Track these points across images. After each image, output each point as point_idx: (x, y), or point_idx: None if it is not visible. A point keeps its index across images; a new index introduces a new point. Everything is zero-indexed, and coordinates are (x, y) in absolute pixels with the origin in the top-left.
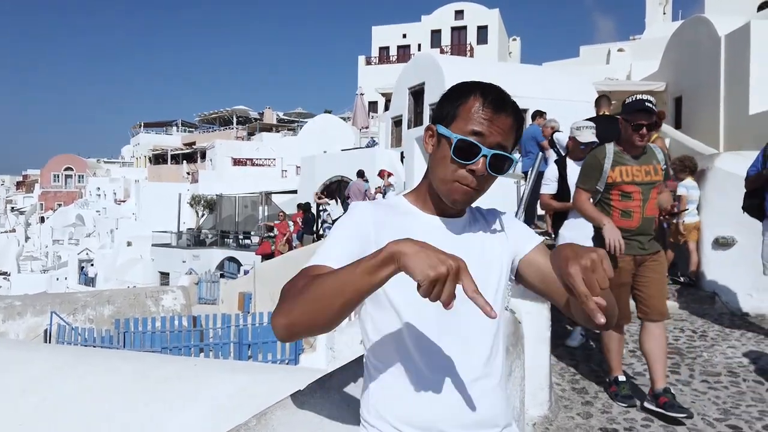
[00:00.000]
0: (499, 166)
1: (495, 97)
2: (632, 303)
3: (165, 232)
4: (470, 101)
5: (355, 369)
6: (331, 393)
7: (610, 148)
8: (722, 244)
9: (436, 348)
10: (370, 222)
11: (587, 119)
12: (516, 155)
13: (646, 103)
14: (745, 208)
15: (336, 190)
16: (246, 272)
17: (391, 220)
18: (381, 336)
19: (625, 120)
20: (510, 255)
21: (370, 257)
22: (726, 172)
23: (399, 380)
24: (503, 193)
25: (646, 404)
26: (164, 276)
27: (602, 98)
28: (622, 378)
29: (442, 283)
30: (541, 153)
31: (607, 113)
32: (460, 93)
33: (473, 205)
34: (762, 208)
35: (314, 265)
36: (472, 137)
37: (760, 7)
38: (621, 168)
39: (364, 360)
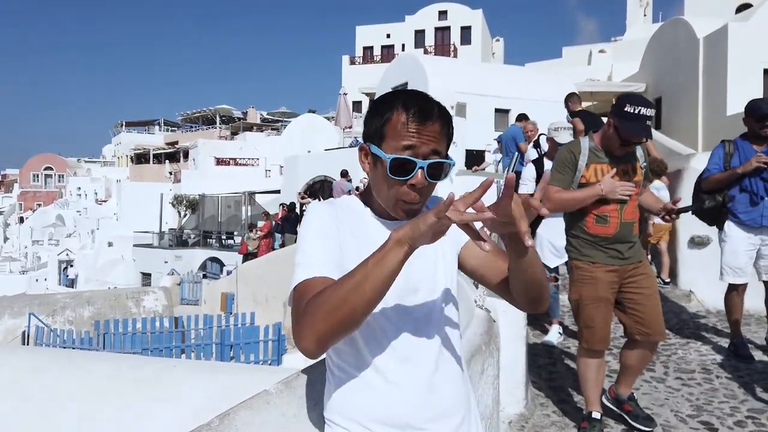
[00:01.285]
0: (437, 172)
1: (418, 107)
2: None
3: (147, 232)
4: (394, 116)
5: (322, 368)
6: (298, 392)
7: (585, 143)
8: (698, 243)
9: (394, 343)
10: (332, 219)
11: (573, 114)
12: (452, 160)
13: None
14: (696, 212)
15: (319, 189)
16: (229, 273)
17: (348, 219)
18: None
19: (618, 124)
20: (455, 244)
21: (379, 250)
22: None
23: (360, 377)
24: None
25: (604, 400)
26: (146, 277)
27: (573, 95)
28: (596, 415)
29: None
30: (517, 153)
31: (579, 109)
32: (384, 108)
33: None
34: (717, 212)
35: (308, 279)
36: (404, 153)
37: (738, 10)
38: (596, 166)
39: (326, 359)
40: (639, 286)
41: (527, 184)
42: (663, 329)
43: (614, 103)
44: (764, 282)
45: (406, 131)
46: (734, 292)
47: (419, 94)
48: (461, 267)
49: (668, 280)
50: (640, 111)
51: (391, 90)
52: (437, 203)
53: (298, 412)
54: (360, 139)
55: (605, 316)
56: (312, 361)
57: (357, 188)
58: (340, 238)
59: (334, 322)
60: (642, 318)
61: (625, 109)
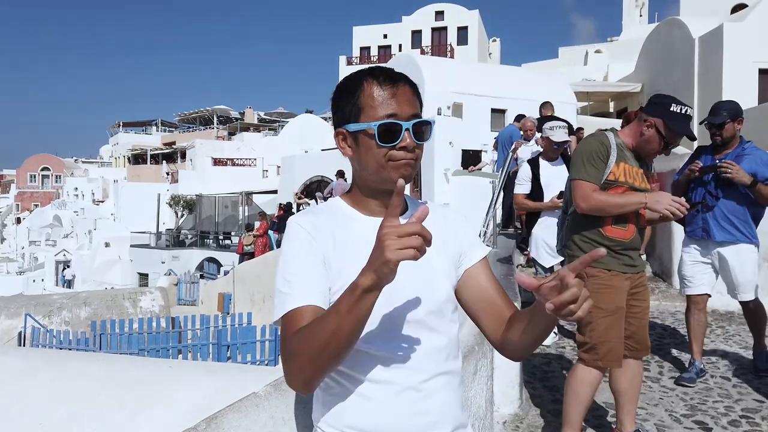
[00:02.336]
0: (422, 133)
1: (386, 75)
2: None
3: (144, 232)
4: (366, 88)
5: None
6: (287, 395)
7: (612, 138)
8: None
9: (384, 350)
10: (312, 231)
11: (543, 119)
12: (432, 119)
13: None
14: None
15: (316, 190)
16: (226, 273)
17: (332, 227)
18: None
19: (664, 123)
20: (455, 257)
21: (349, 295)
22: None
23: (348, 386)
24: (480, 193)
25: None
26: (143, 277)
27: (546, 103)
28: None
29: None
30: (510, 154)
31: (551, 114)
32: (353, 87)
33: (418, 201)
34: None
35: (292, 311)
36: (388, 119)
37: (733, 10)
38: (624, 165)
39: None
40: (640, 299)
41: (523, 183)
42: (649, 343)
43: (650, 103)
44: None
45: (382, 98)
46: (691, 307)
47: (380, 66)
48: (456, 292)
49: (642, 254)
50: (687, 111)
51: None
52: (443, 213)
53: (287, 415)
54: None
55: (621, 328)
56: None
57: None
58: (323, 249)
59: (319, 367)
60: (635, 332)
61: (672, 109)
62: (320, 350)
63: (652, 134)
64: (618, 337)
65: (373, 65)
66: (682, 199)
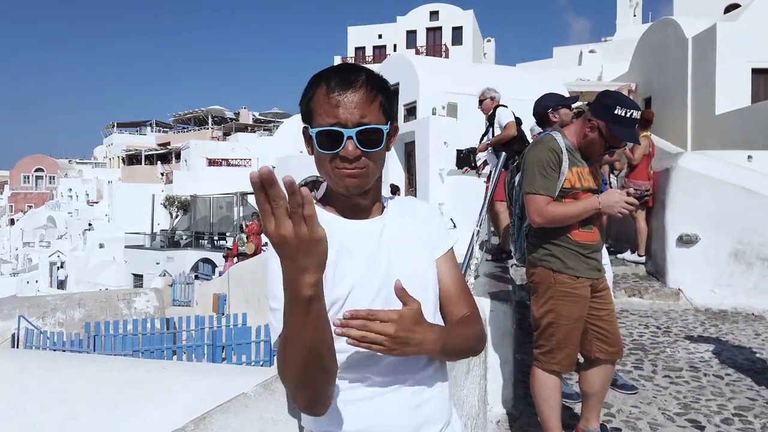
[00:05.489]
0: (370, 141)
1: (338, 80)
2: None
3: (138, 233)
4: (317, 93)
5: None
6: (277, 396)
7: (561, 140)
8: (686, 241)
9: (370, 357)
10: None
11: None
12: (386, 126)
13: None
14: None
15: (311, 190)
16: (221, 273)
17: None
18: None
19: (607, 127)
20: (431, 249)
21: (286, 308)
22: (689, 171)
23: (336, 388)
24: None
25: None
26: (137, 278)
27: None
28: None
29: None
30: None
31: None
32: (308, 88)
33: (395, 198)
34: None
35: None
36: (331, 126)
37: (727, 10)
38: (577, 170)
39: None
40: (605, 301)
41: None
42: (621, 345)
43: (596, 102)
44: None
45: (327, 105)
46: None
47: (346, 66)
48: None
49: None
50: (632, 114)
51: None
52: (418, 209)
53: (277, 416)
54: None
55: (579, 336)
56: None
57: None
58: None
59: (307, 391)
60: (607, 336)
61: (616, 113)
62: (300, 376)
63: (595, 137)
64: (575, 344)
65: (338, 64)
66: (631, 198)
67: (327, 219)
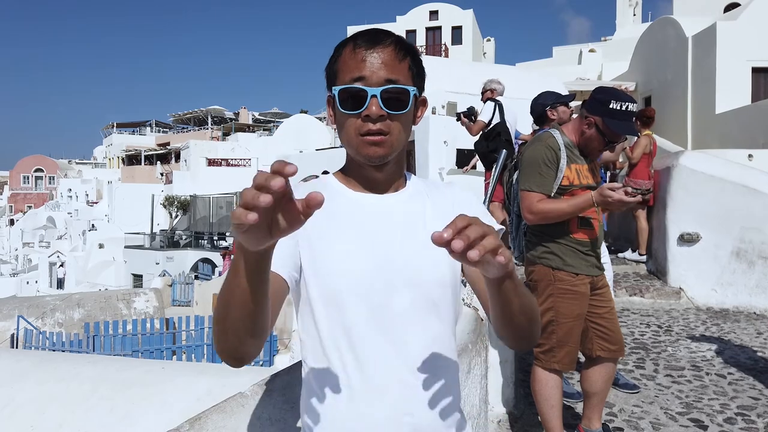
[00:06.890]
0: (396, 102)
1: (368, 36)
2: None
3: (138, 233)
4: (343, 52)
5: (299, 370)
6: (273, 396)
7: (560, 137)
8: (687, 240)
9: (368, 352)
10: None
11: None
12: (414, 88)
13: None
14: None
15: None
16: (220, 273)
17: None
18: (309, 337)
19: (603, 122)
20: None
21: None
22: (690, 169)
23: (329, 385)
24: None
25: None
26: (137, 278)
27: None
28: None
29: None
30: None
31: None
32: (336, 50)
33: (427, 180)
34: None
35: None
36: (354, 84)
37: (726, 9)
38: (576, 167)
39: (302, 364)
40: (605, 299)
41: None
42: (623, 344)
43: (590, 99)
44: None
45: (353, 61)
46: None
47: (375, 29)
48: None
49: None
50: (627, 107)
51: None
52: (447, 192)
53: (274, 415)
54: None
55: (579, 333)
56: (296, 360)
57: None
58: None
59: (224, 332)
60: (608, 333)
61: (612, 107)
62: (226, 316)
63: (593, 133)
64: (576, 342)
65: (365, 29)
66: (625, 196)
67: (336, 189)
